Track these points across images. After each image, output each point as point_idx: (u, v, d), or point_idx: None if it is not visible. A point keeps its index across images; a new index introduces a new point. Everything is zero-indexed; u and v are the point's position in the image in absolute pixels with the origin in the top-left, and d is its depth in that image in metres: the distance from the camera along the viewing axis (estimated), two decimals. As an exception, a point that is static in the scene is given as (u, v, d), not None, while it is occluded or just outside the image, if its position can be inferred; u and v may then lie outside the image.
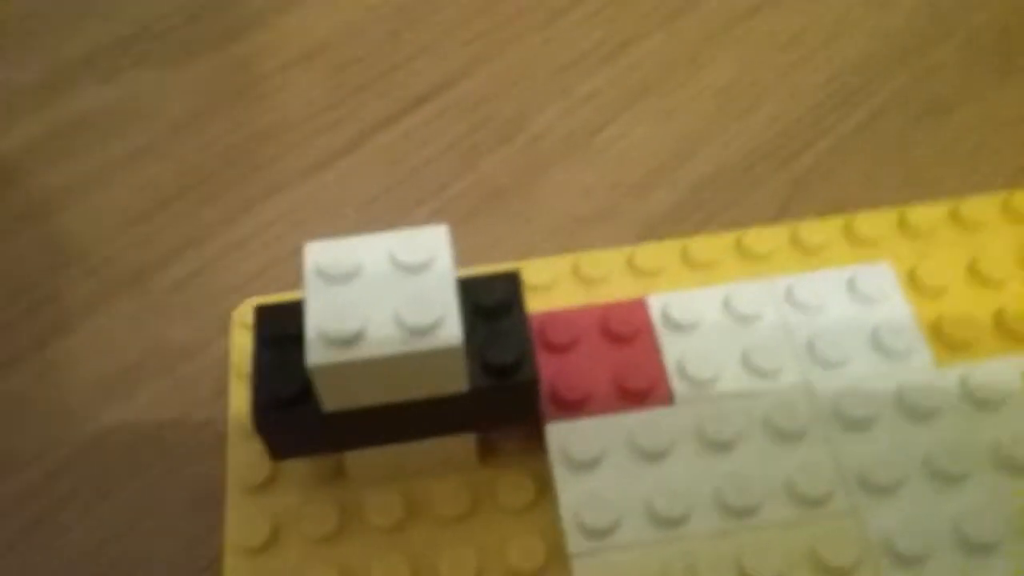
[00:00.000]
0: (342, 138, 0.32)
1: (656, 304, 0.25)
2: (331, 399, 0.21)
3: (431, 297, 0.20)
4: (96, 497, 0.25)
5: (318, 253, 0.21)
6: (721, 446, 0.22)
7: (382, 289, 0.21)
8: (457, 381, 0.21)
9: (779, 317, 0.25)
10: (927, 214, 0.28)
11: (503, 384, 0.21)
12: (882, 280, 0.25)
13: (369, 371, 0.20)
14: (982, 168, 0.31)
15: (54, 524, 0.24)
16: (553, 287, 0.27)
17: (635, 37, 0.35)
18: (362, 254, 0.21)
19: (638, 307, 0.25)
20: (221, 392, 0.25)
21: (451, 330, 0.20)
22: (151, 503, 0.25)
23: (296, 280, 0.27)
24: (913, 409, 0.22)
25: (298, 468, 0.24)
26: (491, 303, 0.22)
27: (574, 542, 0.21)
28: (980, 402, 0.23)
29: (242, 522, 0.23)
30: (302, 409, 0.21)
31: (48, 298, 0.29)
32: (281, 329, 0.22)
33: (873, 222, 0.28)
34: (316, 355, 0.20)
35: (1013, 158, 0.31)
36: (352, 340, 0.20)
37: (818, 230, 0.28)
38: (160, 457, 0.25)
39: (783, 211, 0.30)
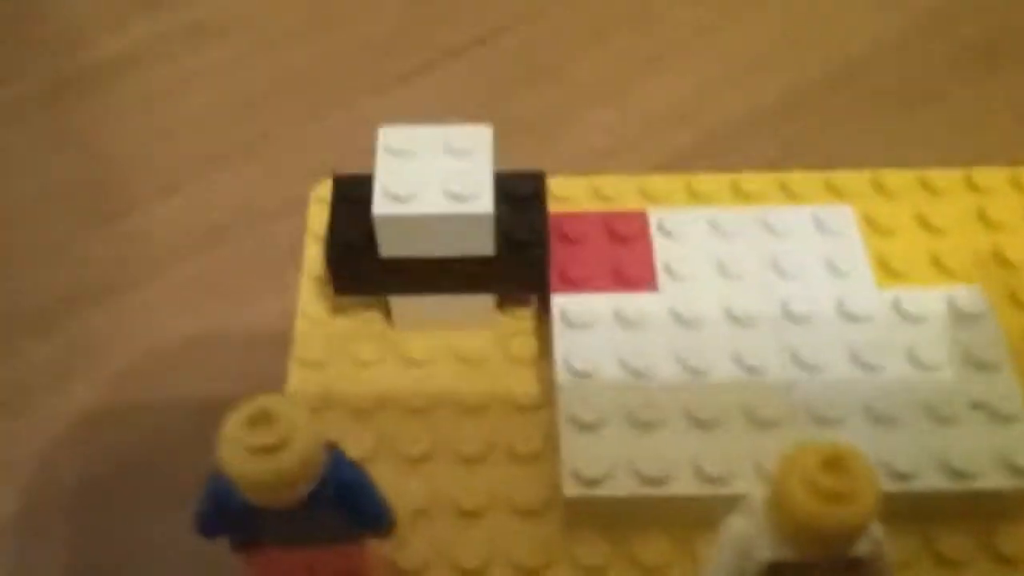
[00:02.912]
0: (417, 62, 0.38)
1: (655, 216, 0.31)
2: (388, 246, 0.27)
3: (472, 176, 0.26)
4: (169, 318, 0.31)
5: (389, 134, 0.27)
6: (688, 322, 0.28)
7: (435, 166, 0.27)
8: (486, 245, 0.27)
9: (754, 237, 0.30)
10: (897, 177, 0.33)
11: (520, 254, 0.27)
12: (843, 218, 0.31)
13: (418, 225, 0.26)
14: (961, 149, 0.36)
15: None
16: (572, 200, 0.33)
17: (672, 3, 0.41)
18: (423, 139, 0.27)
19: (640, 217, 0.31)
20: (297, 249, 0.31)
21: (485, 201, 0.26)
22: (220, 337, 0.31)
23: (368, 169, 0.33)
24: (848, 313, 0.28)
25: (354, 310, 0.30)
26: (519, 193, 0.28)
27: (562, 379, 0.27)
28: (904, 314, 0.28)
29: (306, 342, 0.29)
30: (365, 251, 0.27)
31: (156, 164, 0.35)
32: (355, 193, 0.28)
33: (849, 178, 0.33)
34: (380, 206, 0.26)
35: (988, 144, 0.36)
36: (408, 198, 0.26)
37: (802, 180, 0.33)
38: (238, 292, 0.31)
39: (778, 162, 0.35)
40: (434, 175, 0.26)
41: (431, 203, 0.26)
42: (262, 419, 0.19)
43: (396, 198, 0.26)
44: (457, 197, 0.26)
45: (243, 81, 0.38)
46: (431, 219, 0.26)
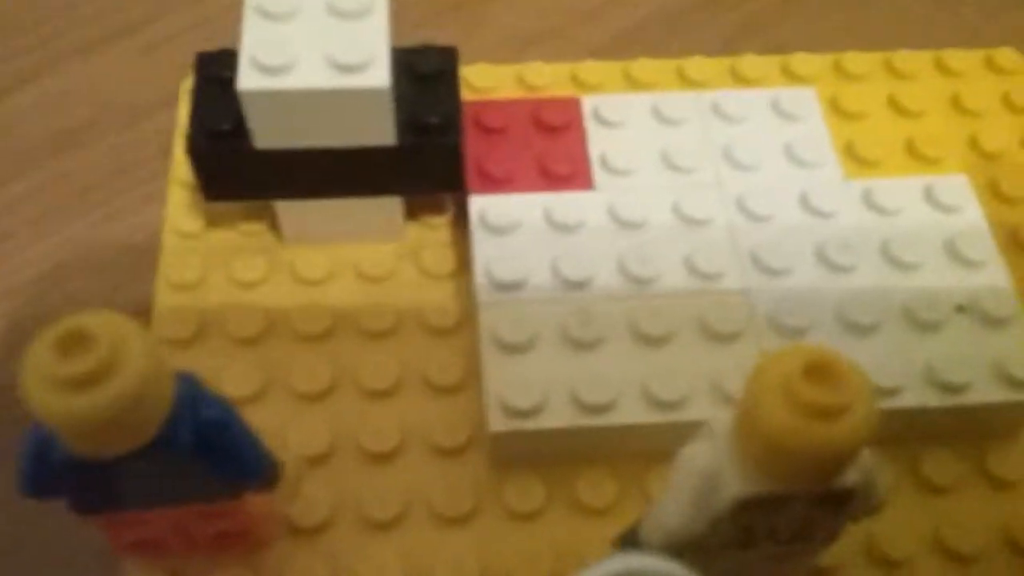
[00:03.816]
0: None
1: (589, 103, 0.26)
2: (262, 133, 0.22)
3: (363, 41, 0.21)
4: (40, 235, 0.26)
5: (260, -8, 0.22)
6: (630, 224, 0.24)
7: (317, 30, 0.22)
8: (384, 132, 0.22)
9: (702, 125, 0.26)
10: (861, 60, 0.29)
11: (428, 142, 0.23)
12: (805, 102, 0.27)
13: (297, 105, 0.21)
14: (929, 31, 0.32)
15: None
16: (493, 91, 0.28)
17: None
18: (301, -4, 0.22)
19: (571, 104, 0.26)
20: (168, 151, 0.26)
21: (379, 72, 0.21)
22: (91, 244, 0.26)
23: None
24: (813, 207, 0.24)
25: (234, 221, 0.25)
26: (425, 70, 0.23)
27: (484, 293, 0.22)
28: (877, 206, 0.24)
29: (175, 261, 0.24)
30: (234, 142, 0.22)
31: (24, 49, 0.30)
32: (221, 72, 0.23)
33: (808, 61, 0.29)
34: (247, 80, 0.21)
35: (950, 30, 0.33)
36: (282, 70, 0.21)
37: (756, 64, 0.29)
38: (102, 204, 0.26)
39: (726, 48, 0.31)
40: (316, 41, 0.21)
41: (311, 75, 0.21)
42: (76, 341, 0.14)
43: (267, 70, 0.21)
44: (344, 67, 0.21)
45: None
46: (312, 95, 0.21)
